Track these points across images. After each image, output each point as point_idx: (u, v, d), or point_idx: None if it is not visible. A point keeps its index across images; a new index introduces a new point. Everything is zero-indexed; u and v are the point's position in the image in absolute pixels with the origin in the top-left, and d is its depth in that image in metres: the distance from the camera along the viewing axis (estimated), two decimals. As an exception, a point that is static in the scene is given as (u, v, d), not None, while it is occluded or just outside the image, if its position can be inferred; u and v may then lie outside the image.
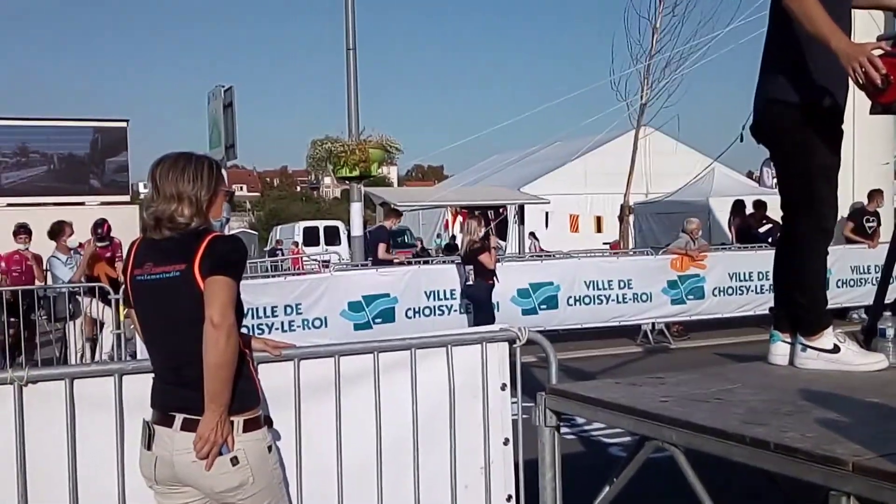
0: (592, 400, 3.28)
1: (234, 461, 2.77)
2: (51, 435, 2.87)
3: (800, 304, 3.74)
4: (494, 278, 10.49)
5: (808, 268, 3.73)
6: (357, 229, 13.41)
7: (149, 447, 2.81)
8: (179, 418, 2.76)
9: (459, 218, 25.82)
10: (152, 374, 2.90)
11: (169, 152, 2.96)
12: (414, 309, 11.01)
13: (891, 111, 3.45)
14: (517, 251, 20.49)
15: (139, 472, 2.89)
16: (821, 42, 3.26)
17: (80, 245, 10.63)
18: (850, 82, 3.28)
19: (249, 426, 2.81)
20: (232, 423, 2.76)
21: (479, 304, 10.51)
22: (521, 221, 23.82)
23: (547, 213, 27.54)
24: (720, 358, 10.14)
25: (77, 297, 9.92)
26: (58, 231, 10.67)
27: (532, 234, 24.50)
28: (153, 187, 2.88)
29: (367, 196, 19.66)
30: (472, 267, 10.43)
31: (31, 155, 22.36)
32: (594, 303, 11.74)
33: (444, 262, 13.34)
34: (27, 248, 10.94)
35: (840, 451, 2.38)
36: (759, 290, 12.16)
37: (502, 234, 25.48)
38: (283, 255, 24.74)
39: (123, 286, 3.03)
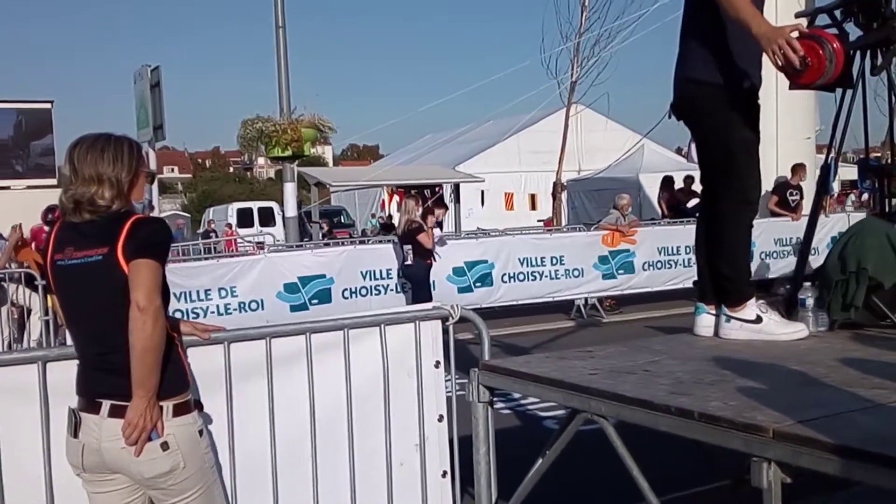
0: (523, 374, 3.33)
1: (165, 446, 2.73)
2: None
3: (724, 275, 3.84)
4: (433, 258, 10.52)
5: (731, 240, 3.84)
6: (291, 210, 13.28)
7: (75, 434, 2.76)
8: (106, 405, 2.72)
9: (396, 197, 25.77)
10: (77, 361, 2.84)
11: (87, 133, 2.88)
12: (350, 289, 10.98)
13: (808, 89, 3.56)
14: (453, 230, 20.54)
15: (66, 461, 2.84)
16: (743, 26, 3.35)
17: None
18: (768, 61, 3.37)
19: (179, 410, 2.77)
20: (161, 407, 2.72)
21: (417, 284, 10.53)
22: (457, 200, 23.87)
23: (482, 192, 27.67)
24: (651, 331, 10.36)
25: (2, 283, 9.64)
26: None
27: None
28: (71, 169, 2.79)
29: (301, 176, 19.46)
30: (410, 247, 10.43)
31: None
32: (528, 279, 11.88)
33: (380, 241, 13.31)
34: None
35: (760, 419, 2.47)
36: (687, 263, 12.45)
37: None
38: (216, 236, 24.33)
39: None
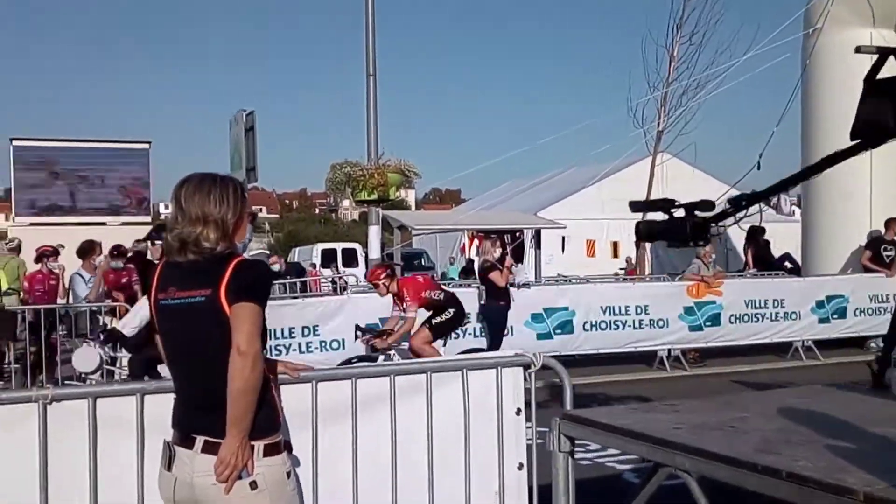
0: (606, 426, 3.31)
1: (254, 485, 2.74)
2: (73, 453, 2.93)
3: None
4: (507, 300, 10.48)
5: None
6: (375, 251, 13.45)
7: (169, 468, 2.80)
8: (200, 440, 2.75)
9: (476, 241, 25.86)
10: (173, 395, 2.91)
11: (193, 173, 2.91)
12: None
13: None
14: (533, 276, 20.49)
15: (158, 493, 2.92)
16: None
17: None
18: None
19: (270, 451, 2.78)
20: (252, 447, 2.76)
21: (491, 325, 10.52)
22: (538, 246, 23.81)
23: (563, 238, 27.53)
24: (737, 386, 10.11)
25: (98, 315, 10.02)
26: (88, 250, 10.80)
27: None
28: (177, 208, 2.82)
29: (385, 219, 19.74)
30: (485, 287, 10.47)
31: (56, 174, 22.68)
32: (610, 328, 11.72)
33: (460, 284, 13.35)
34: (50, 268, 11.03)
35: (851, 481, 2.41)
36: (774, 317, 12.13)
37: (519, 258, 25.48)
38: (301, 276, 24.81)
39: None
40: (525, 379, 3.60)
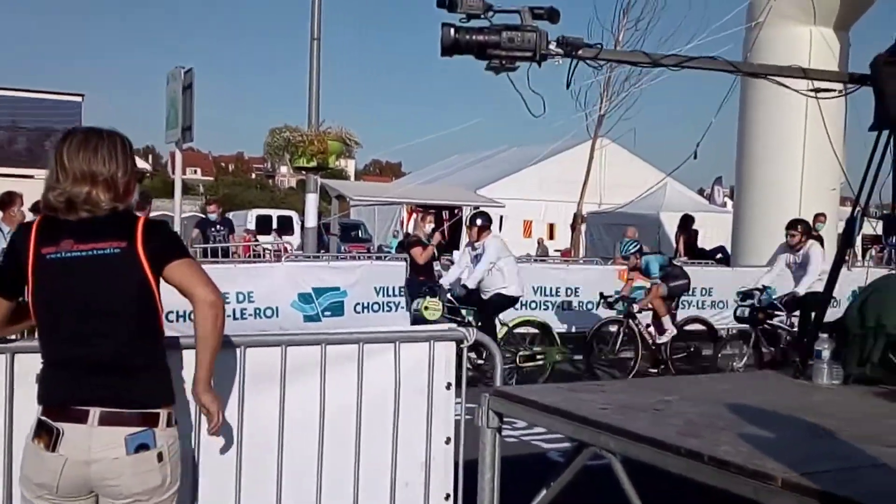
0: (535, 403, 3.33)
1: (160, 457, 2.60)
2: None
3: None
4: (429, 276, 10.37)
5: None
6: (312, 220, 13.33)
7: (53, 448, 2.52)
8: (95, 412, 2.53)
9: (415, 216, 25.84)
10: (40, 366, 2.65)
11: (75, 126, 2.73)
12: (363, 304, 10.99)
13: None
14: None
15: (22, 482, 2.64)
16: None
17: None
18: None
19: (171, 421, 2.65)
20: (158, 415, 2.60)
21: (411, 299, 10.51)
22: (475, 223, 23.92)
23: (501, 217, 27.69)
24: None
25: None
26: (7, 202, 10.42)
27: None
28: (58, 166, 2.59)
29: (323, 188, 19.56)
30: (408, 258, 10.46)
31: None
32: (540, 308, 11.85)
33: (396, 259, 13.33)
34: None
35: (770, 467, 2.46)
36: (701, 305, 12.38)
37: (455, 236, 25.57)
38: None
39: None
40: (457, 354, 3.59)
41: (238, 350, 3.16)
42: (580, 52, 3.99)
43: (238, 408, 3.16)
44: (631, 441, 2.84)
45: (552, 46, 3.95)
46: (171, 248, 2.65)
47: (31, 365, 2.75)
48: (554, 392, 3.59)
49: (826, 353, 3.90)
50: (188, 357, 2.90)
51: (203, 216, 15.91)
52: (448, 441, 3.55)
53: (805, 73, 4.37)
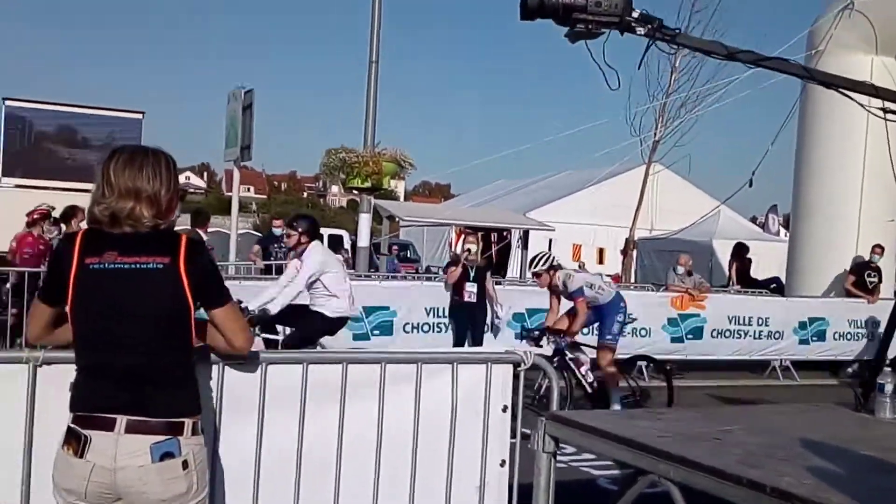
0: (592, 429, 3.32)
1: (185, 465, 2.65)
2: (59, 416, 2.90)
3: None
4: (461, 296, 10.24)
5: None
6: (364, 240, 13.45)
7: (81, 455, 2.59)
8: (121, 420, 2.60)
9: (462, 237, 25.88)
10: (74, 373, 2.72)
11: (124, 145, 2.84)
12: (412, 324, 11.03)
13: None
14: (519, 276, 20.52)
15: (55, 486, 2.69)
16: None
17: None
18: None
19: (196, 430, 2.72)
20: (182, 424, 2.67)
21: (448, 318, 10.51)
22: (525, 247, 23.86)
23: (550, 241, 27.60)
24: (713, 400, 10.19)
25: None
26: (69, 215, 10.70)
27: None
28: (104, 182, 2.69)
29: (375, 208, 19.73)
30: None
31: (46, 136, 22.44)
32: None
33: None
34: (45, 231, 10.89)
35: (835, 501, 2.43)
36: (756, 335, 12.22)
37: (504, 258, 25.53)
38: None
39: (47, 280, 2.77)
40: (515, 377, 3.60)
41: (301, 367, 3.21)
42: (661, 31, 3.94)
43: (300, 422, 3.21)
44: (691, 469, 2.82)
45: (635, 15, 3.91)
46: (215, 282, 2.78)
47: (53, 374, 2.86)
48: (611, 418, 3.58)
49: (889, 387, 3.83)
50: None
51: (259, 234, 16.11)
52: (503, 464, 3.56)
53: (876, 91, 4.34)
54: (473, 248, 10.62)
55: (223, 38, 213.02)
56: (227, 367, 3.07)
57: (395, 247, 25.02)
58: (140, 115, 23.84)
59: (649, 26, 3.91)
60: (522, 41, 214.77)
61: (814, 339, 12.55)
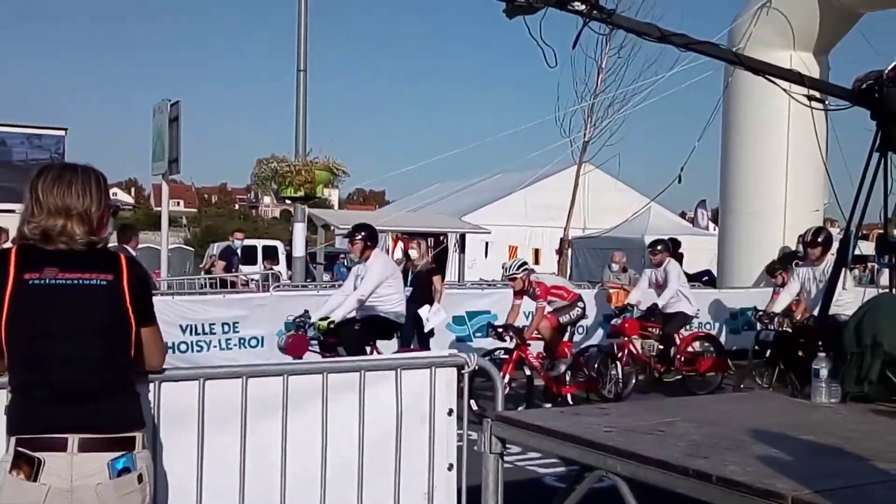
0: (538, 428, 3.33)
1: (140, 478, 2.62)
2: None
3: None
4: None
5: None
6: (299, 250, 13.32)
7: (35, 478, 2.50)
8: (73, 439, 2.53)
9: (400, 244, 25.81)
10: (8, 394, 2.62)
11: (51, 162, 2.84)
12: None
13: None
14: (457, 279, 20.55)
15: None
16: None
17: None
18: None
19: (145, 443, 2.70)
20: (134, 438, 2.63)
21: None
22: (462, 250, 23.92)
23: (487, 243, 27.73)
24: (655, 394, 10.31)
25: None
26: (-9, 237, 10.38)
27: None
28: (32, 200, 2.63)
29: (309, 217, 19.55)
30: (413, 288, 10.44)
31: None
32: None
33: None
34: None
35: (780, 486, 2.47)
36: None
37: (442, 262, 25.54)
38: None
39: None
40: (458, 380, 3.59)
41: (240, 380, 3.14)
42: (597, 9, 4.00)
43: (241, 437, 3.14)
44: (638, 464, 2.84)
45: None
46: (149, 301, 2.76)
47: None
48: (557, 416, 3.59)
49: (824, 372, 3.93)
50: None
51: (190, 248, 15.84)
52: (451, 468, 3.54)
53: (802, 79, 4.44)
54: (413, 253, 10.69)
55: (146, 50, 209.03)
56: (163, 383, 3.00)
57: (341, 255, 24.82)
58: (63, 132, 23.24)
59: (587, 5, 3.98)
60: (454, 44, 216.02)
61: (745, 328, 12.82)
